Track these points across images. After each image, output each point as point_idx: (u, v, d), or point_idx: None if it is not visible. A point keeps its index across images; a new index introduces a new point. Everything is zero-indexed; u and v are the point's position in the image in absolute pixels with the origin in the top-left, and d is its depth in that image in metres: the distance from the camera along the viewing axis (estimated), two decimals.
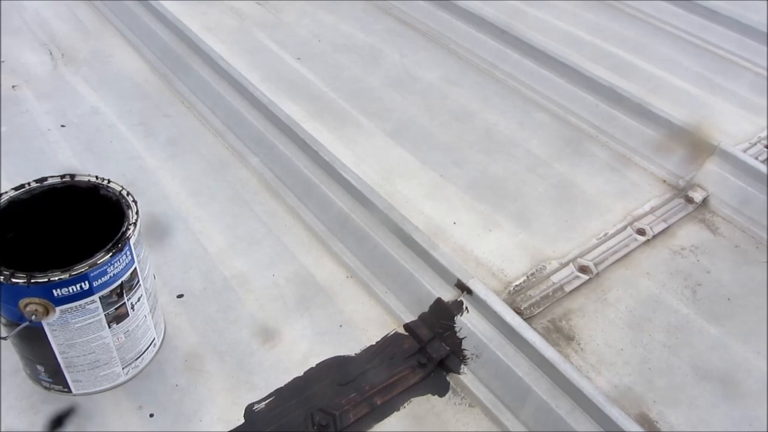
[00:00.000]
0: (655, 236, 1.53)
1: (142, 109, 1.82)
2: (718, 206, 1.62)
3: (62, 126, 1.73)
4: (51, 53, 2.02)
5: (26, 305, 0.95)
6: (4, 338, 1.03)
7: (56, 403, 1.11)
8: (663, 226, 1.55)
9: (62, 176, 1.10)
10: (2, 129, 1.70)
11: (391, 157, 1.70)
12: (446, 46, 2.18)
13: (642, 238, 1.52)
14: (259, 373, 1.19)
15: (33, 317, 0.95)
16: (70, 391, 1.11)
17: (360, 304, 1.34)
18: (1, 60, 1.96)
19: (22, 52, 2.01)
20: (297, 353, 1.23)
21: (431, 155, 1.72)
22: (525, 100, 1.96)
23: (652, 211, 1.59)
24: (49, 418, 1.07)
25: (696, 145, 1.66)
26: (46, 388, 1.12)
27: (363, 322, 1.30)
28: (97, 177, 1.10)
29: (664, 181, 1.69)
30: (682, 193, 1.65)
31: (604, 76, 1.89)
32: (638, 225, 1.54)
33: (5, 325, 1.02)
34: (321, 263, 1.42)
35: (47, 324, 0.99)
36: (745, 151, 1.70)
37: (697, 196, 1.63)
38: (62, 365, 1.06)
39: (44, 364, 1.07)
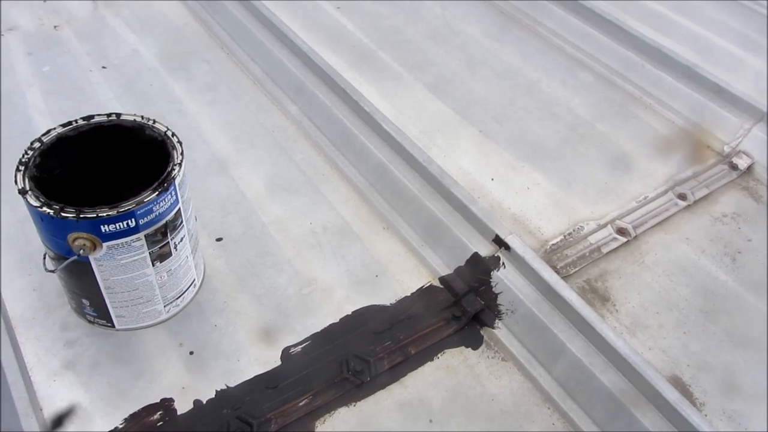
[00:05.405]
0: (696, 201, 1.50)
1: (181, 54, 1.81)
2: (762, 174, 1.59)
3: (103, 67, 1.74)
4: None
5: (74, 240, 0.97)
6: (52, 271, 1.06)
7: (100, 336, 1.14)
8: (705, 191, 1.52)
9: (108, 115, 1.11)
10: (45, 68, 1.71)
11: (431, 110, 1.69)
12: None
13: (683, 203, 1.49)
14: (295, 317, 1.21)
15: (81, 251, 0.97)
16: (113, 326, 1.14)
17: (396, 255, 1.35)
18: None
19: None
20: (333, 300, 1.25)
21: (471, 110, 1.69)
22: (568, 59, 1.91)
23: (695, 176, 1.56)
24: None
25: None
26: (90, 321, 1.15)
27: (398, 274, 1.31)
28: (142, 117, 1.10)
29: (709, 146, 1.65)
30: (726, 159, 1.61)
31: (651, 36, 1.84)
32: (680, 189, 1.52)
33: (53, 258, 1.05)
34: (358, 213, 1.42)
35: (94, 259, 1.01)
36: None
37: (742, 163, 1.60)
38: (107, 300, 1.09)
39: (89, 298, 1.09)
